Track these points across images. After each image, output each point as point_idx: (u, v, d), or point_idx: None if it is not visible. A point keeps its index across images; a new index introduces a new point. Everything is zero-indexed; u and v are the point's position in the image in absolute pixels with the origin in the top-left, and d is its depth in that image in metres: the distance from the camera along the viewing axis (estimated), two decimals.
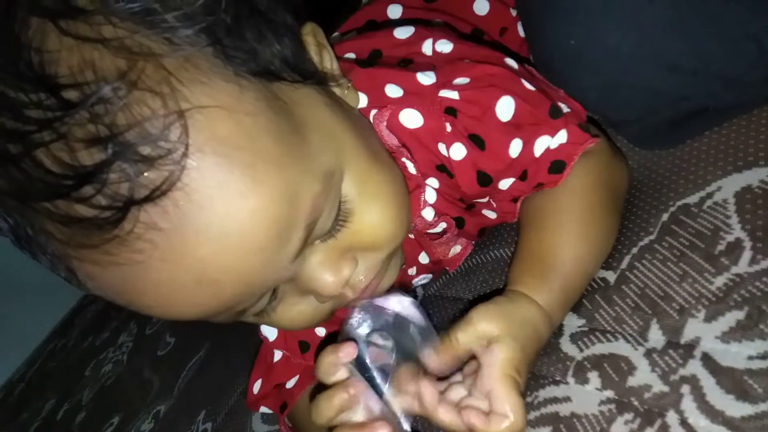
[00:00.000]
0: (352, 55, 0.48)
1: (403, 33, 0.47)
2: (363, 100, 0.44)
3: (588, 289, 0.43)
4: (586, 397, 0.38)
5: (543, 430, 0.38)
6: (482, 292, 0.52)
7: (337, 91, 0.42)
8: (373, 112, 0.44)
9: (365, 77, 0.45)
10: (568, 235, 0.43)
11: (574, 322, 0.43)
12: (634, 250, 0.43)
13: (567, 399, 0.39)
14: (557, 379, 0.40)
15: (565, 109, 0.44)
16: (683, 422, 0.32)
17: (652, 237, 0.42)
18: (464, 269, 0.57)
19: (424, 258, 0.54)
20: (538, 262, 0.43)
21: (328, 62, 0.42)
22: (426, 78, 0.43)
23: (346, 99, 0.43)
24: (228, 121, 0.31)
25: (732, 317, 0.34)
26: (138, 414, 0.97)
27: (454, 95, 0.43)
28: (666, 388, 0.34)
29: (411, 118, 0.44)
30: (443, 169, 0.46)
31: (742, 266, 0.35)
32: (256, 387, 0.59)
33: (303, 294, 0.40)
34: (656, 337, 0.37)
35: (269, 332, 0.56)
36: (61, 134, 0.28)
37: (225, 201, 0.31)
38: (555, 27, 0.45)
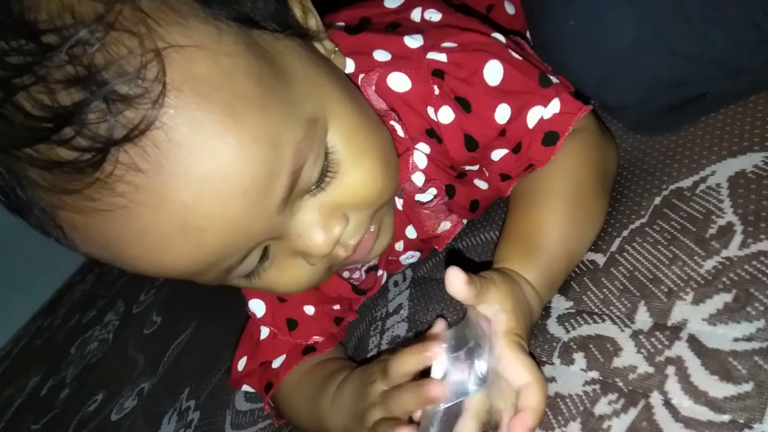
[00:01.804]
0: (342, 25, 0.47)
1: (393, 2, 0.47)
2: (350, 66, 0.44)
3: (577, 272, 0.43)
4: (571, 377, 0.38)
5: None
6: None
7: (322, 50, 0.42)
8: (361, 76, 0.44)
9: (353, 43, 0.44)
10: (554, 214, 0.43)
11: (561, 305, 0.42)
12: (625, 232, 0.42)
13: (552, 379, 0.38)
14: (543, 360, 0.40)
15: (554, 79, 0.44)
16: (666, 403, 0.32)
17: (643, 220, 0.42)
18: (454, 252, 0.56)
19: (411, 232, 0.53)
20: (525, 241, 0.43)
21: (313, 23, 0.41)
22: (413, 41, 0.43)
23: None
24: (206, 60, 0.31)
25: (720, 300, 0.34)
26: (122, 391, 0.97)
27: (441, 57, 0.42)
28: (651, 369, 0.34)
29: (399, 82, 0.43)
30: (433, 134, 0.46)
31: (732, 250, 0.35)
32: (241, 364, 0.58)
33: (295, 255, 0.40)
34: (643, 319, 0.37)
35: (257, 308, 0.56)
36: (40, 77, 0.28)
37: (204, 140, 0.30)
38: (555, 7, 0.44)
